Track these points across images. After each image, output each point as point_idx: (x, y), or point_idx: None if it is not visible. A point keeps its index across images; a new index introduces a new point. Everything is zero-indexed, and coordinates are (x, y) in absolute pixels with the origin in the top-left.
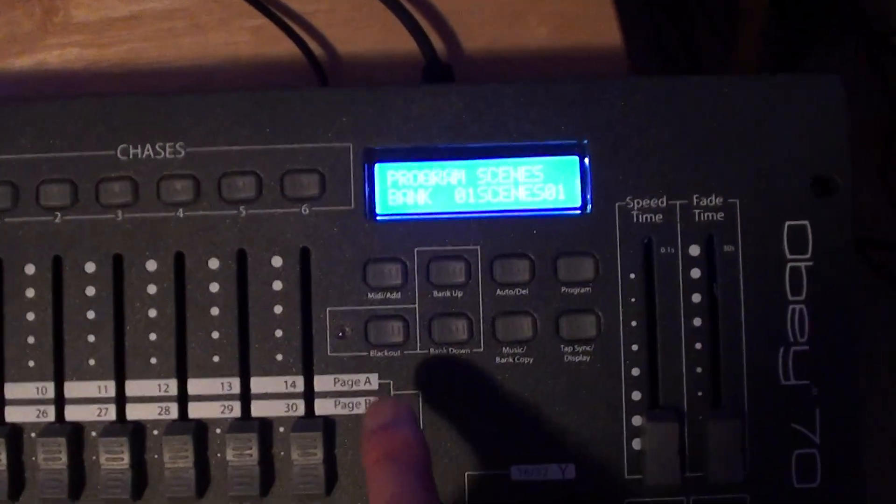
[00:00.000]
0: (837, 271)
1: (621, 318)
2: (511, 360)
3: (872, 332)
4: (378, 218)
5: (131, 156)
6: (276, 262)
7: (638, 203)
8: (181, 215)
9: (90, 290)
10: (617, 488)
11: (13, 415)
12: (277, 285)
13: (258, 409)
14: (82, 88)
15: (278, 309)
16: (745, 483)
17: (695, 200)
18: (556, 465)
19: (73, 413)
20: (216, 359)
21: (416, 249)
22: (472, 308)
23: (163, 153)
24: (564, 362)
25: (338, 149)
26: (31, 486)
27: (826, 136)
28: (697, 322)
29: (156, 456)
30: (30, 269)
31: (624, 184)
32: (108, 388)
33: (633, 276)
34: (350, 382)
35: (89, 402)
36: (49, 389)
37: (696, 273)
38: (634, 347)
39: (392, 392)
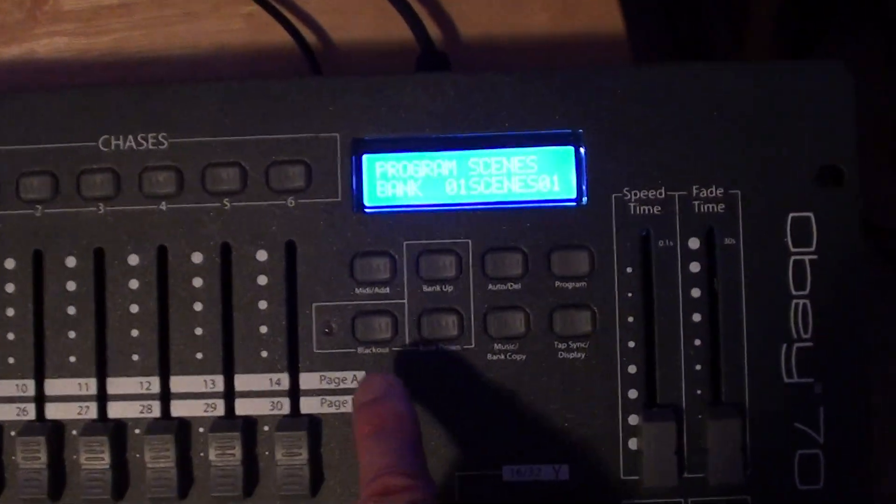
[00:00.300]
0: (843, 265)
1: (617, 314)
2: (503, 356)
3: (887, 326)
4: (366, 210)
5: (113, 147)
6: (261, 256)
7: (635, 194)
8: (164, 208)
9: (71, 285)
10: (612, 490)
11: None
12: (262, 280)
13: (242, 408)
14: (71, 78)
15: (263, 304)
16: (746, 485)
17: (694, 192)
18: (549, 466)
19: (53, 411)
20: (199, 356)
21: (405, 243)
22: (462, 303)
23: (145, 144)
24: (558, 359)
25: (324, 139)
26: (11, 486)
27: (833, 125)
28: (697, 318)
29: (138, 455)
30: (10, 264)
31: (621, 175)
32: (89, 385)
33: (629, 270)
34: (337, 380)
35: (70, 399)
36: (29, 387)
37: (695, 267)
38: (631, 344)
39: None
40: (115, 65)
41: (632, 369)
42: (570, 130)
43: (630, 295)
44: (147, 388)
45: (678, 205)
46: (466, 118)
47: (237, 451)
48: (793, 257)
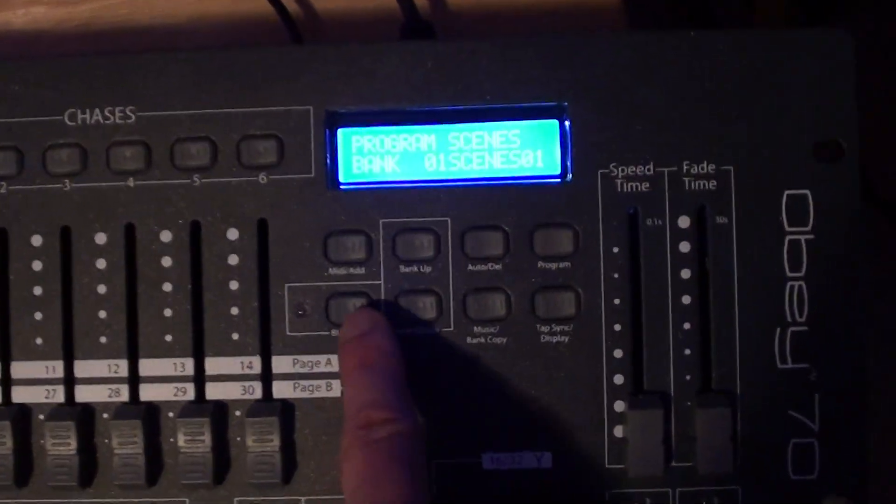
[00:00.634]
0: (841, 245)
1: (603, 296)
2: (483, 340)
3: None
4: (341, 187)
5: (79, 121)
6: (232, 234)
7: (622, 170)
8: (132, 184)
9: (37, 265)
10: (597, 479)
11: None
12: (233, 259)
13: (213, 392)
14: (49, 49)
15: (234, 285)
16: (737, 475)
17: (685, 168)
18: (531, 453)
19: (19, 395)
20: (168, 338)
21: (381, 221)
22: (441, 284)
23: (112, 118)
24: (541, 343)
25: (297, 112)
26: None
27: (832, 97)
28: (686, 300)
29: (106, 441)
30: None
31: (607, 149)
32: (56, 368)
33: (616, 249)
34: (310, 364)
35: (36, 383)
36: None
37: (685, 247)
38: (617, 327)
39: None
40: (92, 35)
41: (618, 354)
42: (554, 103)
43: (616, 276)
44: (115, 372)
45: (667, 181)
46: (446, 90)
47: (207, 438)
48: (788, 237)
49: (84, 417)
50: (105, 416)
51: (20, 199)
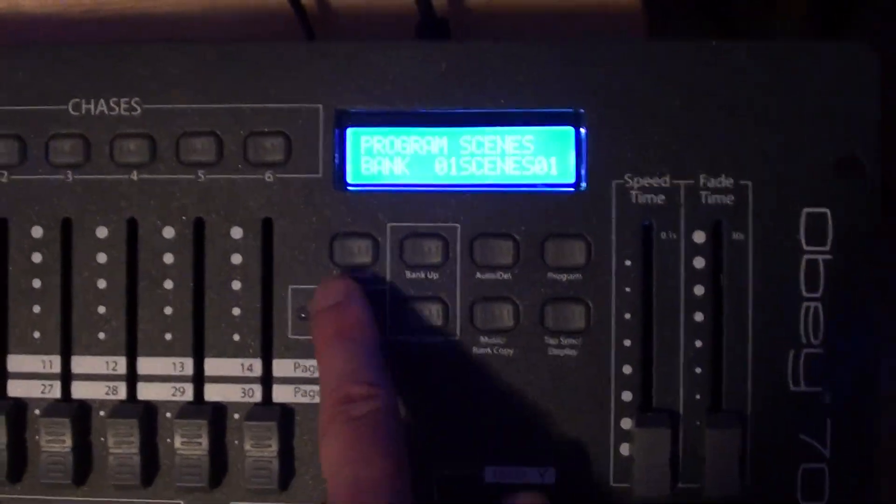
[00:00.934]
0: (859, 267)
1: (613, 310)
2: (489, 350)
3: None
4: (349, 188)
5: (84, 111)
6: (236, 233)
7: (638, 182)
8: (135, 178)
9: (36, 257)
10: (601, 497)
11: None
12: (236, 259)
13: (212, 393)
14: (56, 33)
15: (237, 285)
16: (745, 498)
17: (702, 181)
18: (534, 468)
19: (14, 389)
20: (168, 336)
21: (388, 225)
22: (448, 292)
23: (117, 109)
24: (548, 356)
25: (306, 110)
26: None
27: (854, 112)
28: (699, 317)
29: (102, 439)
30: None
31: (623, 159)
32: (53, 363)
33: (628, 263)
34: (312, 368)
35: (32, 377)
36: None
37: (699, 262)
38: (627, 342)
39: None
40: (100, 21)
41: (627, 370)
42: (570, 109)
43: (628, 290)
44: (113, 369)
45: (684, 194)
46: (459, 92)
47: (204, 440)
48: (805, 256)
49: (80, 414)
50: (101, 413)
51: (21, 189)
